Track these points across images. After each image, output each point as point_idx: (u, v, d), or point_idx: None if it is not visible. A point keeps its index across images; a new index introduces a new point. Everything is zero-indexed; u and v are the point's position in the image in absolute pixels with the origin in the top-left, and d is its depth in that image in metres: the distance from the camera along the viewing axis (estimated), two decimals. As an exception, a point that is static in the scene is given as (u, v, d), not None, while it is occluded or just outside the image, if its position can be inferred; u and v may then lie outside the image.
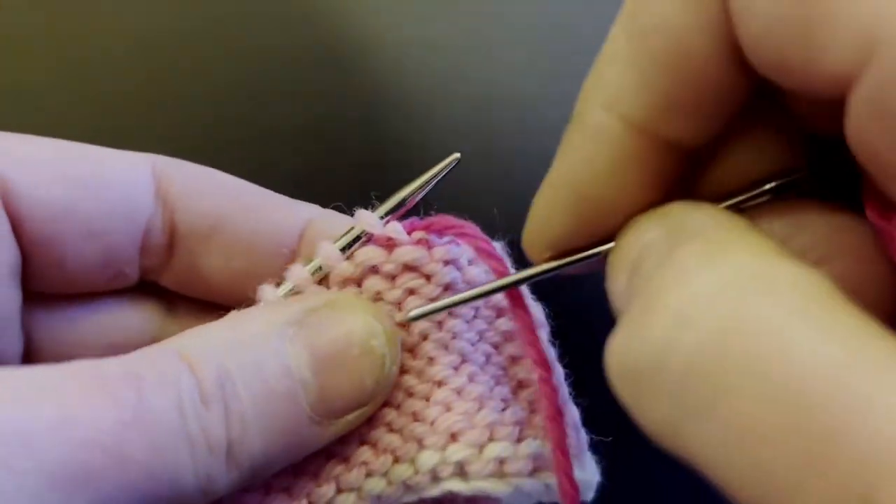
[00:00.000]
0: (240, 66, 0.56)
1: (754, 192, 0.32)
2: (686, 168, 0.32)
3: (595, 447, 0.40)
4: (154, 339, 0.39)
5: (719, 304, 0.23)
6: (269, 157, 0.54)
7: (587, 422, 0.40)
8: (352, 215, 0.39)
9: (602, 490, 0.40)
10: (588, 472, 0.39)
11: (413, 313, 0.37)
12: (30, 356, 0.39)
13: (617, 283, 0.30)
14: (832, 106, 0.25)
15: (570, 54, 0.56)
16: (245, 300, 0.38)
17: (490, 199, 0.39)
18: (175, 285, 0.42)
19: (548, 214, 0.33)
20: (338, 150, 0.55)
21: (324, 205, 0.42)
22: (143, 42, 0.57)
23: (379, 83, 0.56)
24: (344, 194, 0.41)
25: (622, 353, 0.25)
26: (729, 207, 0.32)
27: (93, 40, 0.57)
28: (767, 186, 0.32)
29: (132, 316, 0.41)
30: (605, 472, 0.40)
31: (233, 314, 0.35)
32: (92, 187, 0.37)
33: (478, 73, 0.57)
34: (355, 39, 0.57)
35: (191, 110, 0.56)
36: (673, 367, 0.23)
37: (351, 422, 0.35)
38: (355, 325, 0.35)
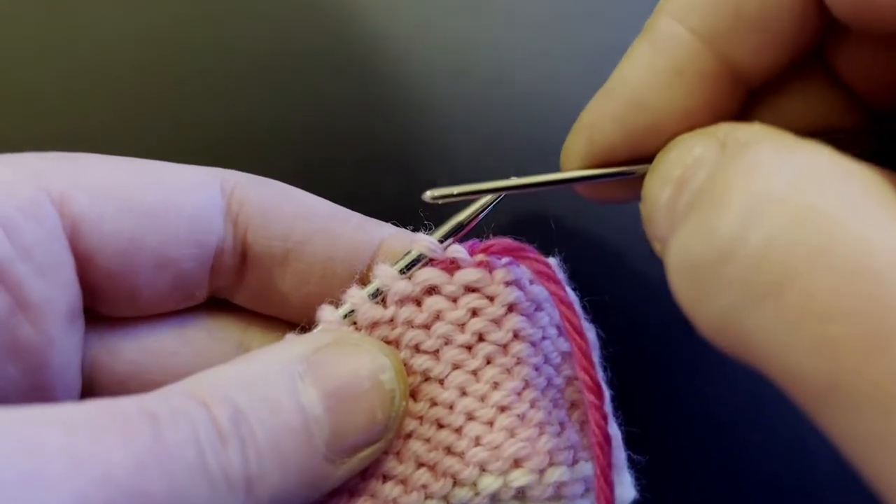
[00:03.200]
0: (241, 64, 0.55)
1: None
2: (739, 108, 0.32)
3: (632, 465, 0.40)
4: (229, 357, 0.39)
5: (796, 193, 0.23)
6: (270, 155, 0.54)
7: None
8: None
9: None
10: (625, 489, 0.40)
11: (431, 193, 0.35)
12: (95, 385, 0.39)
13: (659, 198, 0.30)
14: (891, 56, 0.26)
15: (575, 51, 0.55)
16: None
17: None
18: (249, 304, 0.41)
19: (597, 118, 0.33)
20: (339, 148, 0.54)
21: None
22: (141, 39, 0.56)
23: (382, 81, 0.55)
24: (345, 193, 0.41)
25: (686, 249, 0.25)
26: None
27: (89, 35, 0.57)
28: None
29: (204, 335, 0.41)
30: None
31: (245, 354, 0.35)
32: (161, 217, 0.37)
33: (482, 71, 0.55)
34: (357, 37, 0.56)
35: (189, 108, 0.55)
36: (743, 255, 0.23)
37: (364, 459, 0.35)
38: (363, 360, 0.35)
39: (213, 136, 0.54)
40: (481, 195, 0.36)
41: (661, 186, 0.30)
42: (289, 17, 0.56)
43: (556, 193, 0.36)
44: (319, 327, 0.38)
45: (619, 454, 0.40)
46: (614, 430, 0.40)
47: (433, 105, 0.54)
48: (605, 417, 0.37)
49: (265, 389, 0.32)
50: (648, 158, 0.32)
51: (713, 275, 0.24)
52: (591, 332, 0.40)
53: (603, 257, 0.37)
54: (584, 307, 0.40)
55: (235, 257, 0.40)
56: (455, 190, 0.35)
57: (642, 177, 0.32)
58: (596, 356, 0.40)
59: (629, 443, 0.40)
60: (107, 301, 0.38)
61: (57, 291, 0.35)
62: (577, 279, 0.40)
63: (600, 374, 0.39)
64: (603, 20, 0.55)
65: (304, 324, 0.39)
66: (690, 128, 0.31)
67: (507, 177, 0.37)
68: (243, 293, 0.41)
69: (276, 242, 0.39)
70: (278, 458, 0.31)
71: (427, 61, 0.55)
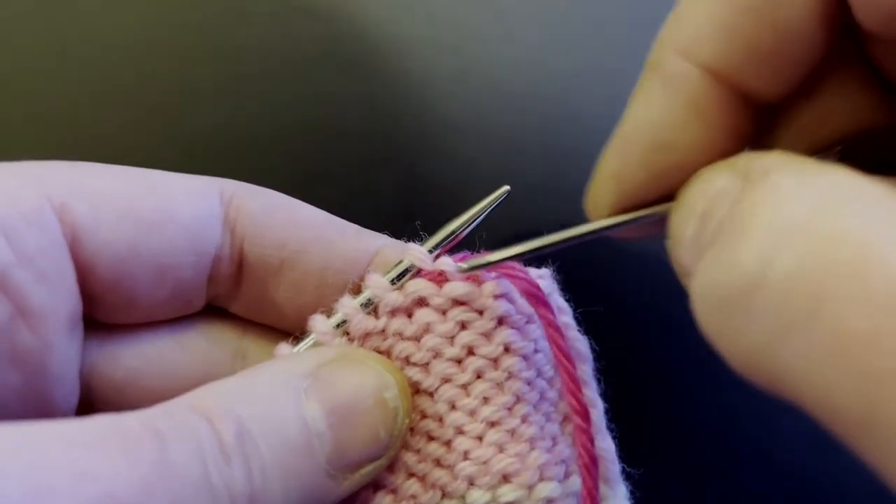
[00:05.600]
0: (242, 67, 0.56)
1: (824, 152, 0.31)
2: (760, 125, 0.31)
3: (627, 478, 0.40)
4: (227, 364, 0.39)
5: (821, 219, 0.22)
6: (270, 157, 0.54)
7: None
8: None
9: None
10: (620, 502, 0.39)
11: (466, 264, 0.36)
12: (93, 391, 0.39)
13: (684, 234, 0.29)
14: None
15: (574, 52, 0.54)
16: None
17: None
18: (245, 313, 0.42)
19: (619, 165, 0.32)
20: (339, 149, 0.54)
21: (323, 207, 0.41)
22: (142, 41, 0.56)
23: (382, 82, 0.55)
24: (345, 193, 0.41)
25: (711, 281, 0.25)
26: None
27: (93, 40, 0.57)
28: (839, 148, 0.31)
29: (202, 342, 0.41)
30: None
31: (248, 368, 0.35)
32: (159, 225, 0.37)
33: (482, 73, 0.55)
34: (358, 39, 0.56)
35: (190, 109, 0.55)
36: (771, 285, 0.22)
37: (366, 475, 0.35)
38: (367, 377, 0.35)
39: (213, 138, 0.55)
40: (513, 259, 0.36)
41: (686, 221, 0.29)
42: (289, 20, 0.57)
43: (548, 201, 0.36)
44: (311, 336, 0.38)
45: (614, 467, 0.39)
46: (608, 444, 0.39)
47: (434, 106, 0.54)
48: (591, 440, 0.37)
49: (269, 404, 0.32)
50: (671, 196, 0.31)
51: (740, 307, 0.23)
52: (584, 343, 0.40)
53: (598, 267, 0.36)
54: (577, 319, 0.40)
55: (233, 266, 0.40)
56: (488, 259, 0.36)
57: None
58: (589, 369, 0.40)
59: (624, 455, 0.40)
60: (106, 308, 0.38)
61: (57, 299, 0.36)
62: (571, 290, 0.40)
63: (592, 393, 0.38)
64: (602, 22, 0.54)
65: (297, 333, 0.39)
66: (714, 159, 0.30)
67: (502, 176, 0.38)
68: (240, 302, 0.41)
69: (271, 251, 0.39)
70: (281, 474, 0.31)
71: (428, 63, 0.54)
